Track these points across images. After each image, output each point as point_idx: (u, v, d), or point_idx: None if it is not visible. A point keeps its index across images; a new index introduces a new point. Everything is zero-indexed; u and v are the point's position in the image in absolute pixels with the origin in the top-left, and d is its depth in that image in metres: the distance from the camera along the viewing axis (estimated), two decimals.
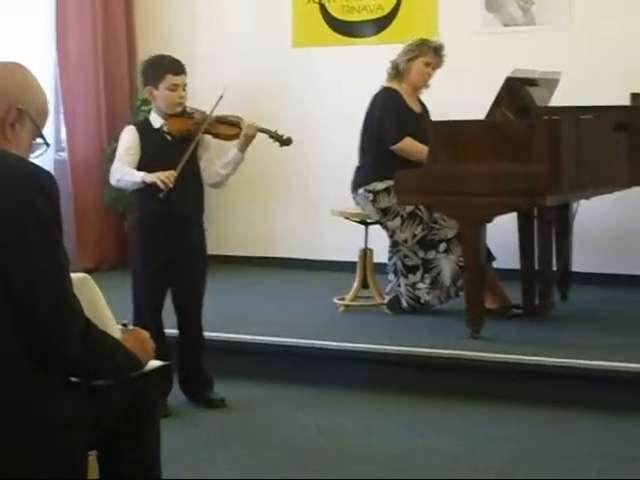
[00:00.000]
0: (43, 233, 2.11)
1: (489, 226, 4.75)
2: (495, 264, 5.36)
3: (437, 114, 5.46)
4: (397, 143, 5.23)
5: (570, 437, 3.89)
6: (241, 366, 4.71)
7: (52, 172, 2.22)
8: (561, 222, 5.51)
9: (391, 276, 5.51)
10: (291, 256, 7.03)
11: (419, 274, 5.31)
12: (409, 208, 5.22)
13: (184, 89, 4.17)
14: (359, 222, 5.52)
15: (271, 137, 4.43)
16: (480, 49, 6.40)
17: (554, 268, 5.41)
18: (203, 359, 4.30)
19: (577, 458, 3.66)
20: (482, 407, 4.24)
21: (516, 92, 5.06)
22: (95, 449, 2.34)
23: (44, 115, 2.32)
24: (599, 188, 5.05)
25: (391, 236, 5.41)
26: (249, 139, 4.24)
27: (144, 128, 4.20)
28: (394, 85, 5.39)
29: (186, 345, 4.28)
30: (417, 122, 5.32)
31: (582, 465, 3.58)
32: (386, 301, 5.45)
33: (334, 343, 4.71)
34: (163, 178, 3.96)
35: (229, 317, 5.21)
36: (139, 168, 4.07)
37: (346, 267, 6.14)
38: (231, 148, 4.29)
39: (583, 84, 5.96)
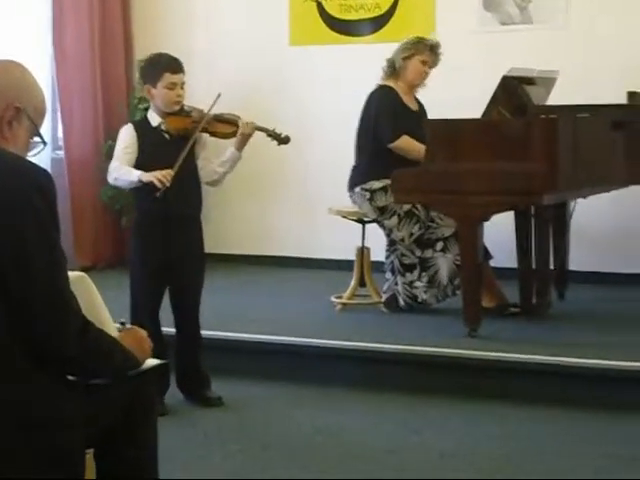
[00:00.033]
0: (40, 232, 2.10)
1: (486, 225, 4.75)
2: (492, 263, 5.37)
3: (434, 113, 5.46)
4: (394, 141, 5.23)
5: (568, 436, 3.89)
6: (238, 364, 4.71)
7: (49, 170, 2.22)
8: (558, 221, 5.51)
9: (388, 275, 5.51)
10: (288, 254, 7.02)
11: (416, 273, 5.32)
12: (406, 207, 5.22)
13: (182, 88, 4.16)
14: (356, 221, 5.52)
15: (269, 136, 4.42)
16: (477, 48, 6.40)
17: (551, 267, 5.42)
18: (200, 357, 4.30)
19: (575, 457, 3.66)
20: (480, 406, 4.24)
21: (513, 91, 5.06)
22: (92, 447, 2.34)
23: (42, 113, 2.32)
24: (596, 187, 5.06)
25: (388, 235, 5.41)
26: (246, 137, 4.24)
27: (142, 127, 4.19)
28: (390, 83, 5.39)
29: (183, 344, 4.28)
30: (414, 120, 5.31)
31: (580, 464, 3.58)
32: (383, 300, 5.45)
33: (331, 341, 4.71)
34: (160, 177, 3.96)
35: (226, 315, 5.21)
36: (137, 166, 4.07)
37: (343, 265, 6.14)
38: (229, 146, 4.29)
39: (580, 82, 5.96)
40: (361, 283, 5.50)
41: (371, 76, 5.46)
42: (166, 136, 4.16)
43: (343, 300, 5.49)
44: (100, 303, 2.51)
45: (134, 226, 4.31)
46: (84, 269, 5.46)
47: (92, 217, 6.96)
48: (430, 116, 5.43)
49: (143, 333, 2.48)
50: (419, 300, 5.33)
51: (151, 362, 2.46)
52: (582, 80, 6.02)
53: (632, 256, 6.13)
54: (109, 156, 4.29)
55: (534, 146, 4.58)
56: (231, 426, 4.03)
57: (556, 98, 5.48)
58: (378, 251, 5.58)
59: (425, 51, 5.34)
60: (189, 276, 4.23)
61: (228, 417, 4.15)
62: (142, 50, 6.71)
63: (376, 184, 5.27)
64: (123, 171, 4.07)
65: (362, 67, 6.26)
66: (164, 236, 4.12)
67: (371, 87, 5.41)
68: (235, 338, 4.83)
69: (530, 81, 5.23)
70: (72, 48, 6.85)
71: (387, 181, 5.06)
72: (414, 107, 5.44)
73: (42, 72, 6.40)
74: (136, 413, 2.37)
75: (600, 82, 6.03)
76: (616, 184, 5.23)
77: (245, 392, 4.46)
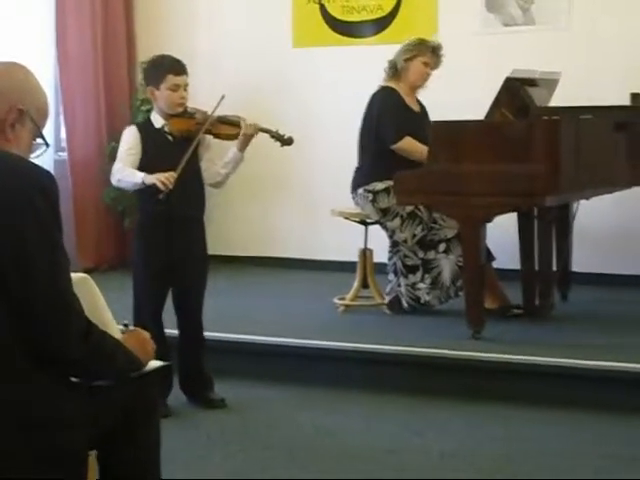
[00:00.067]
0: (42, 233, 2.10)
1: (489, 226, 4.75)
2: (495, 264, 5.36)
3: (437, 114, 5.45)
4: (397, 142, 5.23)
5: (570, 437, 3.89)
6: (241, 366, 4.71)
7: (52, 172, 2.22)
8: (561, 222, 5.51)
9: (391, 276, 5.51)
10: (291, 256, 7.02)
11: (419, 274, 5.31)
12: (409, 208, 5.21)
13: (185, 89, 4.17)
14: (359, 222, 5.52)
15: (272, 137, 4.43)
16: (480, 49, 6.40)
17: (554, 268, 5.41)
18: (203, 359, 4.30)
19: (577, 458, 3.66)
20: (483, 407, 4.24)
21: (515, 92, 5.06)
22: (95, 448, 2.33)
23: (44, 115, 2.32)
24: (599, 188, 5.05)
25: (391, 236, 5.40)
26: (248, 138, 4.24)
27: (145, 128, 4.20)
28: (392, 84, 5.39)
29: (186, 345, 4.28)
30: (416, 121, 5.32)
31: (582, 465, 3.58)
32: (386, 301, 5.45)
33: (334, 343, 4.71)
34: (163, 179, 3.96)
35: (229, 317, 5.21)
36: (140, 168, 4.07)
37: (346, 267, 6.13)
38: (232, 148, 4.29)
39: (583, 84, 5.96)
40: (364, 285, 5.50)
41: (374, 78, 5.46)
42: (169, 138, 4.16)
43: (346, 302, 5.49)
44: (103, 305, 2.51)
45: (137, 228, 4.31)
46: (87, 270, 5.44)
47: (95, 218, 6.97)
48: (433, 117, 5.42)
49: (146, 335, 2.48)
50: (422, 302, 5.33)
51: (154, 364, 2.46)
52: (585, 81, 6.02)
53: (635, 257, 6.13)
54: (112, 157, 4.29)
55: (537, 148, 4.58)
56: (234, 428, 4.03)
57: (559, 99, 5.47)
58: (381, 252, 5.58)
59: (427, 53, 5.34)
60: (192, 278, 4.23)
61: (231, 419, 4.15)
62: (145, 52, 6.73)
63: (379, 185, 5.27)
64: (126, 173, 4.07)
65: (365, 69, 6.26)
66: (167, 238, 4.12)
67: (373, 89, 5.41)
68: (238, 340, 4.83)
69: (533, 82, 5.22)
70: (75, 50, 6.86)
71: (390, 182, 5.05)
72: (416, 108, 5.45)
73: (45, 74, 6.41)
74: (139, 415, 2.37)
75: (603, 83, 6.03)
76: (619, 185, 5.23)
77: (248, 394, 4.46)
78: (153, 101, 4.24)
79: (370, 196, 5.29)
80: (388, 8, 6.75)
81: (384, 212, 5.28)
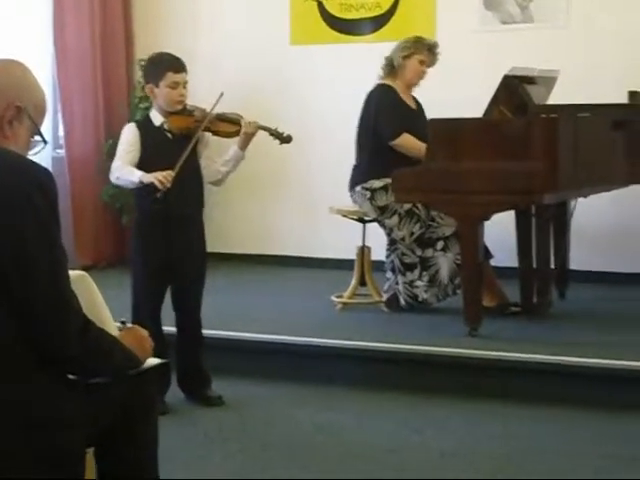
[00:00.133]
0: (41, 230, 2.10)
1: (487, 224, 4.75)
2: (493, 262, 5.37)
3: (435, 112, 5.45)
4: (395, 139, 5.23)
5: (568, 435, 3.89)
6: (239, 364, 4.71)
7: (50, 169, 2.22)
8: (559, 220, 5.51)
9: (389, 274, 5.51)
10: (289, 254, 7.03)
11: (417, 272, 5.32)
12: (407, 206, 5.22)
13: (185, 87, 4.16)
14: (357, 220, 5.52)
15: (271, 135, 4.42)
16: (478, 47, 6.40)
17: (552, 266, 5.42)
18: (201, 357, 4.30)
19: (575, 457, 3.66)
20: (481, 405, 4.24)
21: (514, 90, 5.06)
22: (92, 446, 2.34)
23: (42, 112, 2.32)
24: (597, 186, 5.06)
25: (389, 234, 5.41)
26: (249, 137, 4.24)
27: (144, 126, 4.19)
28: (389, 81, 5.40)
29: (185, 343, 4.28)
30: (413, 118, 5.34)
31: (580, 464, 3.58)
32: (384, 299, 5.45)
33: (332, 341, 4.71)
34: (161, 178, 3.95)
35: (227, 315, 5.21)
36: (139, 166, 4.06)
37: (344, 265, 6.14)
38: (231, 145, 4.29)
39: (581, 82, 5.97)
40: (362, 282, 5.50)
41: (372, 75, 5.46)
42: (169, 135, 4.16)
43: (344, 299, 5.49)
44: (101, 302, 2.52)
45: (135, 226, 4.31)
46: (85, 268, 5.45)
47: (93, 216, 6.97)
48: (431, 115, 5.42)
49: (144, 332, 2.48)
50: (420, 299, 5.33)
51: (152, 361, 2.46)
52: (583, 79, 6.02)
53: (632, 255, 6.13)
54: (110, 155, 4.29)
55: (535, 145, 4.58)
56: (232, 425, 4.03)
57: (557, 97, 5.48)
58: (379, 250, 5.58)
59: (424, 51, 5.36)
60: (190, 275, 4.23)
61: (229, 416, 4.15)
62: (143, 49, 6.74)
63: (377, 183, 5.27)
64: (125, 171, 4.07)
65: (363, 66, 6.25)
66: (165, 236, 4.12)
67: (372, 86, 5.41)
68: (236, 337, 4.83)
69: (531, 80, 5.23)
70: (73, 47, 6.85)
71: (388, 180, 5.06)
72: (413, 105, 5.46)
73: (43, 71, 6.39)
74: (136, 412, 2.37)
75: (601, 81, 6.03)
76: (617, 183, 5.23)
77: (246, 391, 4.47)
78: (152, 99, 4.24)
79: (368, 194, 5.30)
80: (386, 6, 6.75)
81: (382, 210, 5.28)
